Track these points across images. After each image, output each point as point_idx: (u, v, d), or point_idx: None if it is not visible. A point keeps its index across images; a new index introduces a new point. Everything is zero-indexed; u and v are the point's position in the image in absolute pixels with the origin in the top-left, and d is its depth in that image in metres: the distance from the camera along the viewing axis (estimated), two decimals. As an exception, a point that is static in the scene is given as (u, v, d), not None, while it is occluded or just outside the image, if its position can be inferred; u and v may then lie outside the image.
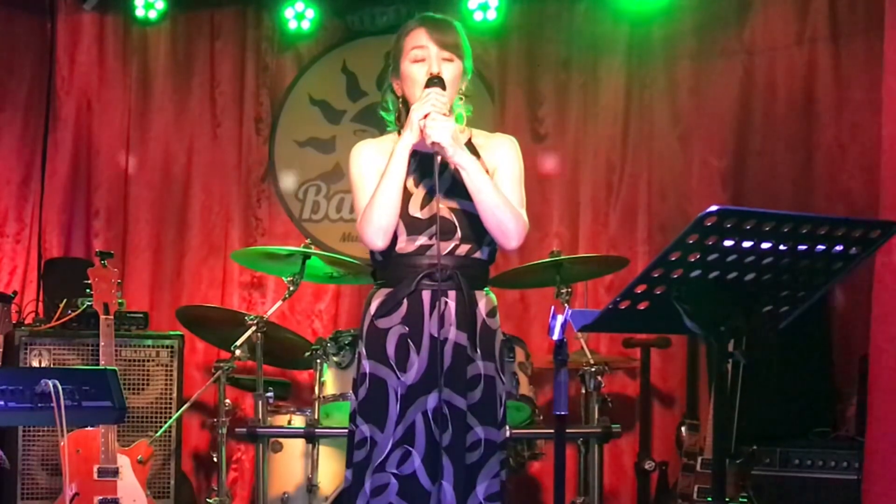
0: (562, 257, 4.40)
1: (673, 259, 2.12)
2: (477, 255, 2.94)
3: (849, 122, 4.86)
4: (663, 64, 5.29)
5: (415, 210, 2.90)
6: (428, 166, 2.89)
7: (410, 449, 2.84)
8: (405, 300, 2.90)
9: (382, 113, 3.06)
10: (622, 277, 4.84)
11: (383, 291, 2.95)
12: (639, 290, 2.19)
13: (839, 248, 2.17)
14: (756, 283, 2.21)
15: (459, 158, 2.82)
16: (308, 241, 4.64)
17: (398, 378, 2.88)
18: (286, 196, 5.72)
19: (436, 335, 2.86)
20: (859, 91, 4.81)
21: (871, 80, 4.56)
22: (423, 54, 2.90)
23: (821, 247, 2.15)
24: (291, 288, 4.41)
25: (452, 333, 2.87)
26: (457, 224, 2.89)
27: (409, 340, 2.89)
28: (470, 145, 2.96)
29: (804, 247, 2.15)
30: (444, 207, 2.87)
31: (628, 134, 5.32)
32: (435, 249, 2.87)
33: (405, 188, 2.88)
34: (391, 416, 2.86)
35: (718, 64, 5.18)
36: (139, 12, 5.64)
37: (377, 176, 2.90)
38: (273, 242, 5.39)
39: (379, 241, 2.87)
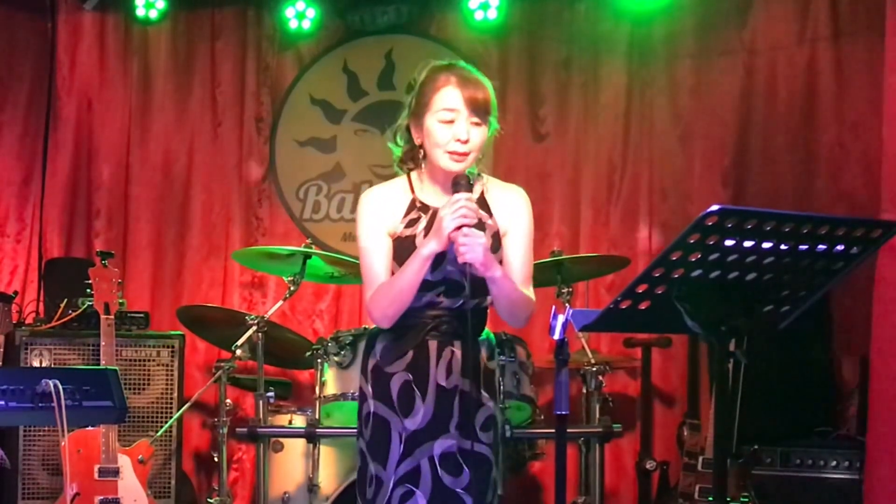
0: (562, 257, 4.39)
1: (674, 259, 2.11)
2: (482, 304, 2.94)
3: (850, 121, 4.86)
4: (664, 63, 5.29)
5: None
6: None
7: (413, 489, 2.86)
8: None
9: (390, 144, 2.98)
10: (623, 277, 4.83)
11: (387, 336, 2.94)
12: (640, 289, 2.19)
13: (840, 247, 2.17)
14: (757, 283, 2.21)
15: (490, 273, 2.77)
16: (309, 240, 4.64)
17: (402, 423, 2.89)
18: (287, 196, 5.72)
19: (443, 384, 2.88)
20: (860, 91, 4.81)
21: (872, 80, 4.56)
22: (452, 116, 2.81)
23: (822, 246, 2.15)
24: (292, 288, 4.41)
25: (460, 382, 2.88)
26: (466, 284, 2.81)
27: (413, 387, 2.89)
28: (482, 201, 2.90)
29: (805, 246, 2.15)
30: (452, 270, 2.83)
31: (629, 133, 5.31)
32: (441, 305, 2.88)
33: (415, 247, 2.83)
34: (392, 455, 2.88)
35: (719, 63, 5.18)
36: (140, 12, 5.63)
37: (384, 234, 2.87)
38: (274, 242, 5.38)
39: (385, 325, 2.89)
